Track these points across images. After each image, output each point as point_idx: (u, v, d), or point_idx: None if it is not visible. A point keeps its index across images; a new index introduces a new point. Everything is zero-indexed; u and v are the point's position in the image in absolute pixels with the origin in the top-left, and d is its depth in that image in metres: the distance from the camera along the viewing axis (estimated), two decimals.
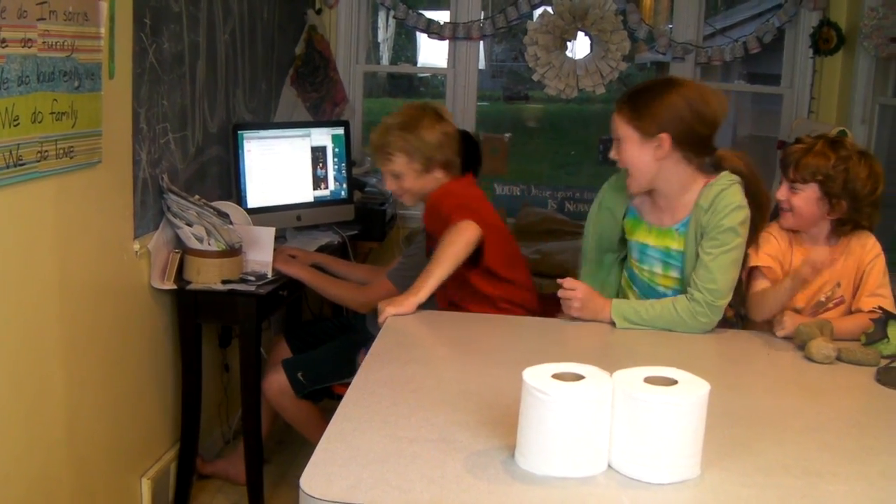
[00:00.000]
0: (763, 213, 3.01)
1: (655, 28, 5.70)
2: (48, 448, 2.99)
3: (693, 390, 1.79)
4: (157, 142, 3.63)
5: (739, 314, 3.26)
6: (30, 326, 2.84)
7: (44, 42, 2.73)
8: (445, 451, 1.90)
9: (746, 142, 9.00)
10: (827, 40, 5.36)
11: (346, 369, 3.47)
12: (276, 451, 4.39)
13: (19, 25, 2.59)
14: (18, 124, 2.62)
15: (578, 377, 1.83)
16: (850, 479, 1.86)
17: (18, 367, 2.78)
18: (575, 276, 3.13)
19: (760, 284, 3.05)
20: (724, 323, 3.00)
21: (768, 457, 1.95)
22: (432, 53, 6.69)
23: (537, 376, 1.81)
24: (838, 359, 2.62)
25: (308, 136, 4.70)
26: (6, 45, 2.54)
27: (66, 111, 2.88)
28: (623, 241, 3.18)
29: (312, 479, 1.75)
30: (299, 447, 4.39)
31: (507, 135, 6.49)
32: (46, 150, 2.79)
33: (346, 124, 4.90)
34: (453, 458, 1.87)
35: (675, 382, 1.82)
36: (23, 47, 2.62)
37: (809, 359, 2.62)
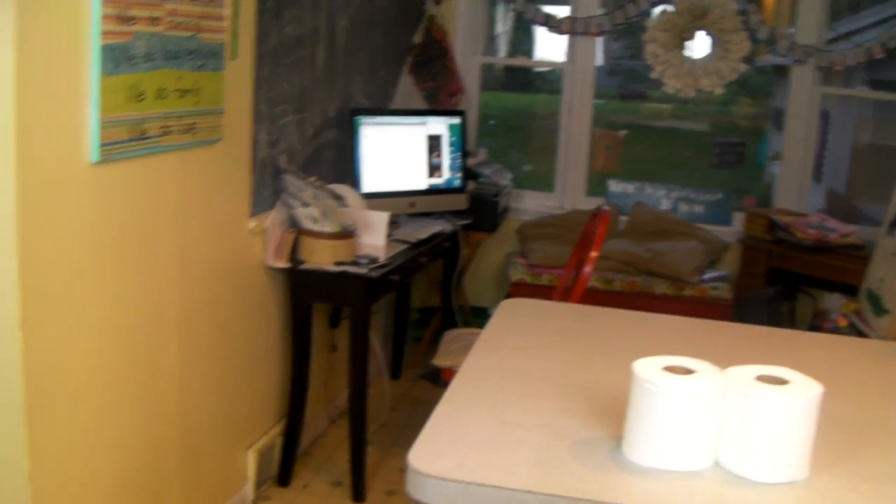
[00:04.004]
0: None
1: (777, 30, 5.60)
2: (160, 418, 3.06)
3: (805, 391, 1.77)
4: (276, 123, 3.69)
5: (853, 324, 3.20)
6: (149, 297, 2.91)
7: (170, 21, 2.80)
8: (551, 437, 1.91)
9: (866, 150, 8.80)
10: None
11: None
12: (378, 433, 4.43)
13: (147, 4, 2.67)
14: (144, 99, 2.70)
15: (689, 371, 1.81)
16: None
17: (136, 337, 2.86)
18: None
19: None
20: (839, 330, 2.94)
21: (875, 465, 1.91)
22: (548, 49, 6.68)
23: (648, 368, 1.80)
24: None
25: (424, 123, 4.73)
26: (134, 23, 2.61)
27: (190, 88, 2.95)
28: None
29: (420, 455, 1.77)
30: (400, 431, 4.45)
31: (623, 132, 6.45)
32: (169, 126, 2.86)
33: (462, 114, 4.93)
34: (559, 445, 1.87)
35: (787, 382, 1.80)
36: (150, 25, 2.69)
37: None
